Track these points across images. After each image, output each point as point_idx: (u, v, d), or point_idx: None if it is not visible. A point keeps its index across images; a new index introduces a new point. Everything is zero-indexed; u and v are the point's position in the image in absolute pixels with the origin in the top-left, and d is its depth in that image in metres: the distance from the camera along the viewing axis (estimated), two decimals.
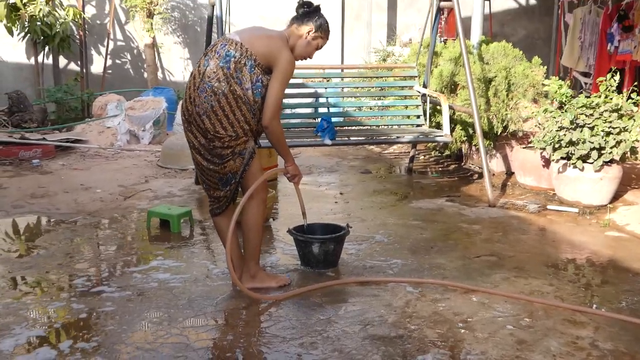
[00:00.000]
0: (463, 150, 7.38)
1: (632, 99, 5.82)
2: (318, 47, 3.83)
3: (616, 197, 5.83)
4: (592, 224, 5.32)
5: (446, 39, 9.87)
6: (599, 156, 5.61)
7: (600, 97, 5.89)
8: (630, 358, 3.10)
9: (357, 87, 7.03)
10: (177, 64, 11.26)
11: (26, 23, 9.72)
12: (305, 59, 3.84)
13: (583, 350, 3.15)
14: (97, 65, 10.93)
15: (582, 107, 5.84)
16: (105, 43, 10.80)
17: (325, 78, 6.68)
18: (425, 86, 6.65)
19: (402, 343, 3.21)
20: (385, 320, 3.47)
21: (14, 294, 3.82)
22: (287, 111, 7.37)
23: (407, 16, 11.95)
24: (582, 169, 5.66)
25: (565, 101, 6.06)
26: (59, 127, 9.11)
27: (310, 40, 3.76)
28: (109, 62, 10.95)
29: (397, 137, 6.18)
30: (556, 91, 6.15)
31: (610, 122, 5.67)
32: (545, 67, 7.03)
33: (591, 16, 9.75)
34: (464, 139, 6.98)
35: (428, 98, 6.42)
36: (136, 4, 10.22)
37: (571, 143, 5.72)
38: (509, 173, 6.88)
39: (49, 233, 5.07)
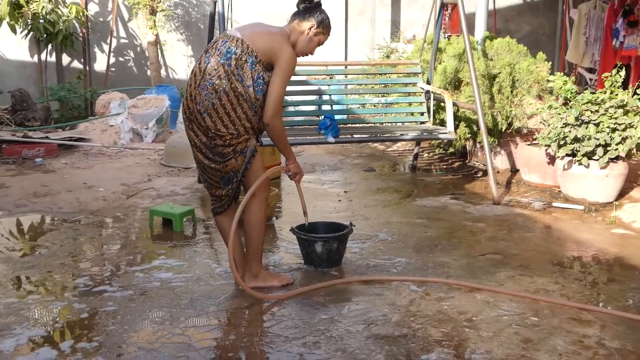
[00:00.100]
0: (467, 147, 7.34)
1: (638, 94, 5.76)
2: (320, 43, 3.80)
3: (622, 194, 5.78)
4: (597, 222, 5.28)
5: (450, 35, 9.81)
6: (605, 153, 5.57)
7: (605, 93, 5.84)
8: (638, 357, 3.06)
9: (361, 84, 7.00)
10: (180, 61, 11.23)
11: (29, 21, 9.71)
12: (307, 55, 3.81)
13: (589, 349, 3.11)
14: (100, 63, 10.90)
15: (587, 103, 5.79)
16: (108, 41, 10.78)
17: (328, 75, 6.64)
18: (429, 83, 6.61)
19: (406, 342, 3.18)
20: (389, 320, 3.44)
21: (15, 293, 3.81)
22: (291, 109, 7.35)
23: (410, 12, 11.90)
24: (587, 166, 5.61)
25: (570, 97, 6.01)
26: (62, 125, 9.10)
27: (312, 36, 3.73)
28: (112, 60, 10.93)
29: (401, 135, 6.14)
30: (561, 87, 6.10)
31: (616, 118, 5.62)
32: (550, 63, 6.98)
33: (596, 11, 9.69)
34: (468, 136, 6.94)
35: (432, 95, 6.38)
36: (139, 1, 10.19)
37: (576, 140, 5.68)
38: (514, 170, 6.84)
39: (51, 232, 5.05)
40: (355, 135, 6.16)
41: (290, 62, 3.62)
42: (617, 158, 5.64)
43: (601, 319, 3.46)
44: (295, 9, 3.77)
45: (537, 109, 6.37)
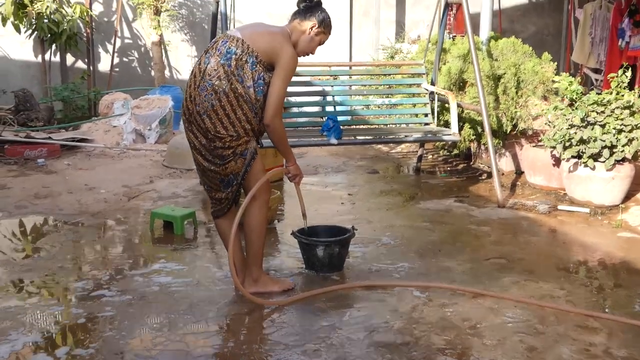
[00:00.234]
0: (472, 149, 7.27)
1: None
2: (321, 43, 3.75)
3: (628, 196, 5.71)
4: (603, 225, 5.20)
5: (455, 36, 9.75)
6: (611, 155, 5.49)
7: (611, 93, 5.77)
8: None
9: (364, 85, 6.93)
10: (184, 62, 11.19)
11: (33, 20, 9.67)
12: (308, 54, 3.76)
13: (596, 358, 3.05)
14: (104, 63, 10.87)
15: (593, 104, 5.72)
16: (113, 41, 10.75)
17: (331, 75, 6.59)
18: (433, 84, 6.54)
19: (408, 350, 3.12)
20: (391, 327, 3.38)
21: (12, 297, 3.76)
22: (294, 110, 7.30)
23: (415, 13, 11.83)
24: (593, 168, 5.54)
25: (576, 98, 5.94)
26: (65, 126, 9.07)
27: (313, 36, 3.68)
28: (116, 60, 10.90)
29: (405, 136, 6.07)
30: (567, 88, 6.03)
31: (622, 119, 5.55)
32: (556, 63, 6.91)
33: (602, 11, 9.59)
34: (473, 137, 6.87)
35: (436, 96, 6.31)
36: (143, 1, 10.15)
37: (582, 141, 5.60)
38: (519, 172, 6.76)
39: (50, 234, 5.01)
40: (358, 137, 6.11)
41: (291, 62, 3.57)
42: (624, 160, 5.57)
43: (608, 326, 3.39)
44: (296, 8, 3.71)
45: (543, 110, 6.30)
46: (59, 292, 3.87)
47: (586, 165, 5.56)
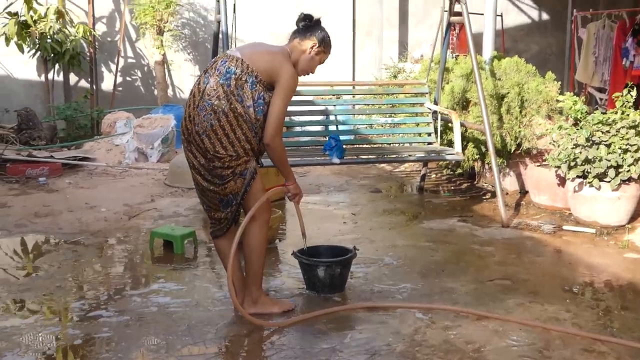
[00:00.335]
0: (476, 168, 7.21)
1: None
2: (321, 62, 3.73)
3: (634, 216, 5.63)
4: (610, 245, 5.13)
5: (458, 55, 9.73)
6: (617, 174, 5.43)
7: (616, 113, 5.72)
8: None
9: (367, 105, 6.90)
10: (187, 81, 11.18)
11: (36, 40, 9.69)
12: (308, 74, 3.73)
13: None
14: (108, 83, 10.87)
15: (598, 123, 5.67)
16: (116, 60, 10.75)
17: (334, 95, 6.55)
18: (436, 103, 6.50)
19: None
20: (393, 350, 3.31)
21: (8, 317, 3.71)
22: (297, 129, 7.26)
23: (418, 32, 11.82)
24: (598, 188, 5.48)
25: (581, 118, 5.90)
26: (67, 144, 9.04)
27: (313, 55, 3.65)
28: (119, 79, 10.90)
29: (407, 156, 6.03)
30: (571, 107, 5.99)
31: (628, 139, 5.49)
32: (560, 82, 6.87)
33: (605, 31, 9.59)
34: (477, 156, 6.82)
35: (439, 115, 6.27)
36: (146, 21, 10.16)
37: (587, 161, 5.55)
38: (523, 192, 6.70)
39: (49, 254, 4.96)
40: (360, 156, 6.06)
41: (291, 81, 3.54)
42: (630, 180, 5.50)
43: (615, 350, 3.31)
44: (295, 27, 3.69)
45: (547, 130, 6.25)
46: (56, 313, 3.82)
47: (591, 185, 5.50)
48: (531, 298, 4.03)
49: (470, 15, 6.02)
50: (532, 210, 6.15)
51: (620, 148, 5.45)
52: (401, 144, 6.59)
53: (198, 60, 11.19)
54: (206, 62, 11.01)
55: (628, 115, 5.65)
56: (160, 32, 10.30)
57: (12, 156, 7.76)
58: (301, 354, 3.25)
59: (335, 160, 5.49)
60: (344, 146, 5.69)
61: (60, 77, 10.58)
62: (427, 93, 6.56)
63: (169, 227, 5.19)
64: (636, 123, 5.54)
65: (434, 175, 7.80)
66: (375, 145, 6.52)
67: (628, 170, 5.41)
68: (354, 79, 11.68)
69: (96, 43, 10.70)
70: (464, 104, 7.04)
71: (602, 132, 5.60)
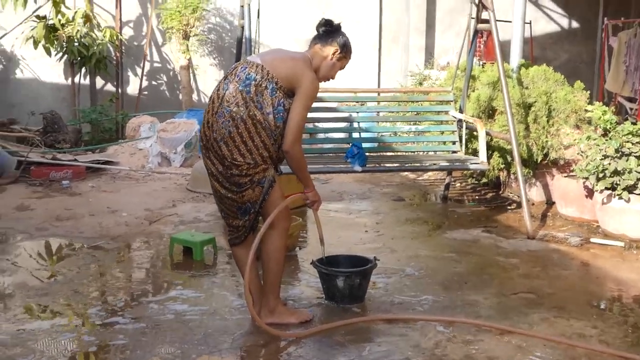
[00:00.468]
0: (501, 178, 7.08)
1: None
2: (342, 67, 3.67)
3: None
4: (639, 260, 4.98)
5: (485, 63, 9.61)
6: None
7: None
8: None
9: (391, 112, 6.82)
10: (212, 86, 11.12)
11: (64, 44, 9.77)
12: (329, 80, 3.67)
13: None
14: (133, 87, 10.92)
15: (628, 134, 5.53)
16: (142, 64, 10.80)
17: (357, 102, 6.48)
18: (461, 111, 6.40)
19: None
20: None
21: (24, 322, 3.68)
22: (320, 136, 7.20)
23: (445, 39, 11.71)
24: (628, 200, 5.34)
25: (610, 128, 5.76)
26: (91, 147, 9.08)
27: (335, 62, 3.60)
28: (145, 83, 10.94)
29: (431, 164, 5.93)
30: (600, 117, 5.85)
31: None
32: (589, 92, 6.72)
33: (636, 39, 9.40)
34: (502, 166, 6.69)
35: (464, 123, 6.17)
36: (173, 25, 10.20)
37: (616, 173, 5.41)
38: (550, 203, 6.56)
39: (69, 258, 4.95)
40: (383, 164, 5.98)
41: (312, 87, 3.49)
42: None
43: None
44: (315, 33, 3.63)
45: (575, 140, 6.12)
46: (72, 318, 3.79)
47: (620, 198, 5.36)
48: (556, 313, 3.92)
49: (498, 23, 5.92)
50: (558, 222, 6.02)
51: None
52: (425, 152, 6.49)
53: (223, 65, 11.19)
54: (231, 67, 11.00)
55: None
56: (186, 36, 10.32)
57: (36, 159, 7.81)
58: None
59: (357, 168, 5.42)
60: (367, 154, 5.62)
61: (87, 81, 10.66)
62: (452, 101, 6.46)
63: (189, 233, 5.16)
64: None
65: (459, 184, 7.68)
66: (398, 153, 6.44)
67: None
68: (379, 86, 11.60)
69: (123, 47, 10.76)
70: (489, 113, 6.92)
71: (632, 144, 5.46)
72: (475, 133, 6.22)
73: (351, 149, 5.53)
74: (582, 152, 5.93)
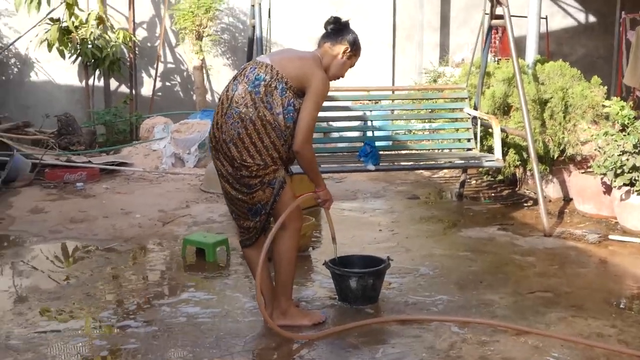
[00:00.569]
0: (517, 174, 7.00)
1: None
2: (352, 65, 3.62)
3: None
4: None
5: (500, 59, 9.51)
6: None
7: None
8: None
9: (405, 110, 6.76)
10: None
11: (77, 46, 9.79)
12: (339, 78, 3.63)
13: None
14: (147, 88, 10.93)
15: None
16: (155, 65, 10.80)
17: (370, 100, 6.42)
18: (476, 108, 6.32)
19: None
20: None
21: (37, 326, 3.67)
22: (335, 135, 7.16)
23: (459, 36, 11.62)
24: None
25: (628, 123, 5.65)
26: (105, 149, 9.10)
27: (345, 60, 3.55)
28: (159, 84, 10.95)
29: (446, 162, 5.87)
30: (618, 113, 5.75)
31: None
32: (606, 87, 6.61)
33: None
34: (518, 163, 6.61)
35: (479, 120, 6.09)
36: (186, 26, 10.19)
37: (635, 168, 5.31)
38: (567, 199, 6.46)
39: (82, 260, 4.94)
40: (396, 163, 5.92)
41: (322, 87, 3.44)
42: None
43: None
44: (324, 31, 3.59)
45: (592, 136, 6.02)
46: (84, 322, 3.77)
47: (639, 194, 5.26)
48: (574, 312, 3.85)
49: (513, 18, 5.84)
50: (576, 219, 5.93)
51: None
52: (439, 150, 6.42)
53: (237, 65, 11.17)
54: None
55: None
56: (200, 37, 10.31)
57: (50, 161, 7.82)
58: None
59: (371, 166, 5.37)
60: (380, 152, 5.56)
61: (101, 83, 10.68)
62: (466, 98, 6.38)
63: (201, 235, 5.14)
64: None
65: (474, 182, 7.60)
66: (412, 151, 6.37)
67: None
68: (393, 84, 11.52)
69: (136, 48, 10.77)
70: (505, 109, 6.84)
71: None
72: (490, 130, 6.14)
73: (364, 147, 5.47)
74: (599, 148, 5.84)
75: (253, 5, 5.72)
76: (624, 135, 5.55)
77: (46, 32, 9.68)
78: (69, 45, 9.80)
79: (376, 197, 6.99)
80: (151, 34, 10.97)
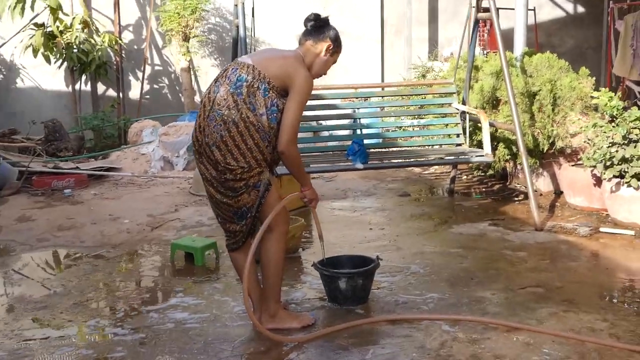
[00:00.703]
0: (507, 169, 6.97)
1: None
2: (334, 62, 3.59)
3: None
4: None
5: (489, 52, 9.47)
6: None
7: None
8: None
9: (393, 107, 6.72)
10: None
11: (63, 51, 9.71)
12: (321, 76, 3.59)
13: None
14: (135, 91, 10.86)
15: (635, 120, 5.41)
16: (142, 68, 10.74)
17: (358, 98, 6.37)
18: (464, 103, 6.29)
19: None
20: None
21: (22, 337, 3.61)
22: (325, 133, 7.11)
23: (448, 30, 11.59)
24: (637, 188, 5.21)
25: (617, 114, 5.62)
26: (94, 155, 9.03)
27: (329, 57, 3.51)
28: (147, 87, 10.88)
29: (434, 158, 5.83)
30: (606, 104, 5.72)
31: None
32: (594, 78, 6.58)
33: None
34: (508, 157, 6.58)
35: (467, 115, 6.06)
36: (172, 27, 10.11)
37: (624, 160, 5.28)
38: (558, 193, 6.43)
39: (69, 269, 4.88)
40: (385, 161, 5.88)
41: (306, 85, 3.39)
42: None
43: None
44: (304, 28, 3.54)
45: (581, 128, 5.99)
46: (71, 331, 3.71)
47: (629, 185, 5.24)
48: (565, 307, 3.81)
49: (502, 10, 5.82)
50: (567, 212, 5.90)
51: None
52: (429, 146, 6.38)
53: (225, 66, 11.12)
54: None
55: None
56: (186, 38, 10.24)
57: (38, 168, 7.76)
58: None
59: (359, 165, 5.33)
60: (368, 150, 5.52)
61: (88, 87, 10.61)
62: (454, 93, 6.34)
63: (190, 239, 5.09)
64: None
65: (465, 177, 7.57)
66: (401, 148, 6.33)
67: None
68: (383, 80, 11.48)
69: (122, 52, 10.70)
70: (494, 103, 6.81)
71: None
72: (479, 124, 6.10)
73: (352, 146, 5.44)
74: (589, 140, 5.81)
75: (236, 5, 5.67)
76: (613, 127, 5.52)
77: (31, 38, 9.61)
78: (55, 50, 9.73)
79: (367, 195, 6.95)
80: (137, 36, 10.90)
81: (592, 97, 6.18)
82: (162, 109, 10.71)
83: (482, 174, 7.43)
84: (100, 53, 9.93)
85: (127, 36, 10.84)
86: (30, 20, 9.65)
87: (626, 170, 5.26)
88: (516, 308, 3.82)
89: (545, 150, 6.37)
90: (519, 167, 6.76)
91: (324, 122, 6.72)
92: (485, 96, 6.76)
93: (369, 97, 6.52)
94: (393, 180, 7.55)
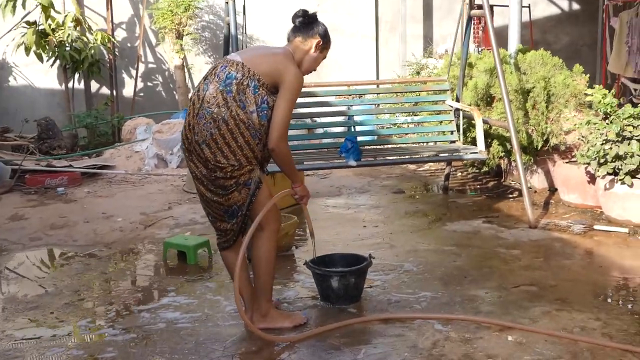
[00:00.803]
0: (502, 166, 6.95)
1: None
2: (324, 58, 3.57)
3: None
4: None
5: (483, 49, 9.45)
6: None
7: None
8: None
9: (386, 104, 6.69)
10: None
11: (55, 49, 9.65)
12: (311, 72, 3.57)
13: None
14: (128, 89, 10.81)
15: (629, 117, 5.39)
16: (136, 66, 10.69)
17: (351, 95, 6.34)
18: (458, 100, 6.27)
19: None
20: None
21: (12, 337, 3.59)
22: (320, 131, 7.08)
23: (443, 27, 11.55)
24: (631, 185, 5.20)
25: (611, 111, 5.61)
26: (87, 152, 8.98)
27: (318, 54, 3.49)
28: (140, 85, 10.84)
29: (428, 156, 5.81)
30: (600, 101, 5.71)
31: None
32: (588, 75, 6.56)
33: (638, 19, 9.20)
34: (502, 154, 6.56)
35: (461, 112, 6.04)
36: (165, 25, 10.06)
37: (618, 157, 5.27)
38: (552, 190, 6.42)
39: (61, 268, 4.86)
40: (379, 158, 5.87)
41: (296, 82, 3.37)
42: None
43: None
44: (292, 25, 3.52)
45: (575, 125, 5.97)
46: (61, 332, 3.68)
47: (623, 183, 5.23)
48: (558, 306, 3.80)
49: (496, 7, 5.80)
50: (561, 209, 5.89)
51: None
52: (423, 143, 6.36)
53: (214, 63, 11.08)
54: None
55: None
56: (180, 36, 10.19)
57: (31, 166, 7.71)
58: None
59: (352, 162, 5.31)
60: (362, 147, 5.50)
61: (81, 85, 10.55)
62: (448, 90, 6.32)
63: (182, 237, 5.06)
64: None
65: (460, 174, 7.56)
66: (395, 145, 6.31)
67: None
68: (377, 77, 11.44)
69: (116, 49, 10.64)
70: (488, 100, 6.79)
71: (634, 127, 5.32)
72: (473, 121, 6.09)
73: (345, 143, 5.42)
74: (582, 137, 5.80)
75: (227, 2, 5.63)
76: (607, 124, 5.51)
77: (23, 36, 9.55)
78: (47, 48, 9.66)
79: (361, 192, 6.93)
80: (130, 34, 10.84)
81: (585, 95, 6.17)
82: (155, 107, 10.67)
83: (477, 171, 7.42)
84: (93, 51, 9.87)
85: (120, 34, 10.78)
86: (22, 19, 9.59)
87: (620, 167, 5.25)
88: (509, 307, 3.81)
89: (539, 147, 6.36)
90: (513, 164, 6.75)
91: (318, 120, 6.70)
92: (479, 93, 6.74)
93: (363, 94, 6.49)
94: (387, 177, 7.53)
